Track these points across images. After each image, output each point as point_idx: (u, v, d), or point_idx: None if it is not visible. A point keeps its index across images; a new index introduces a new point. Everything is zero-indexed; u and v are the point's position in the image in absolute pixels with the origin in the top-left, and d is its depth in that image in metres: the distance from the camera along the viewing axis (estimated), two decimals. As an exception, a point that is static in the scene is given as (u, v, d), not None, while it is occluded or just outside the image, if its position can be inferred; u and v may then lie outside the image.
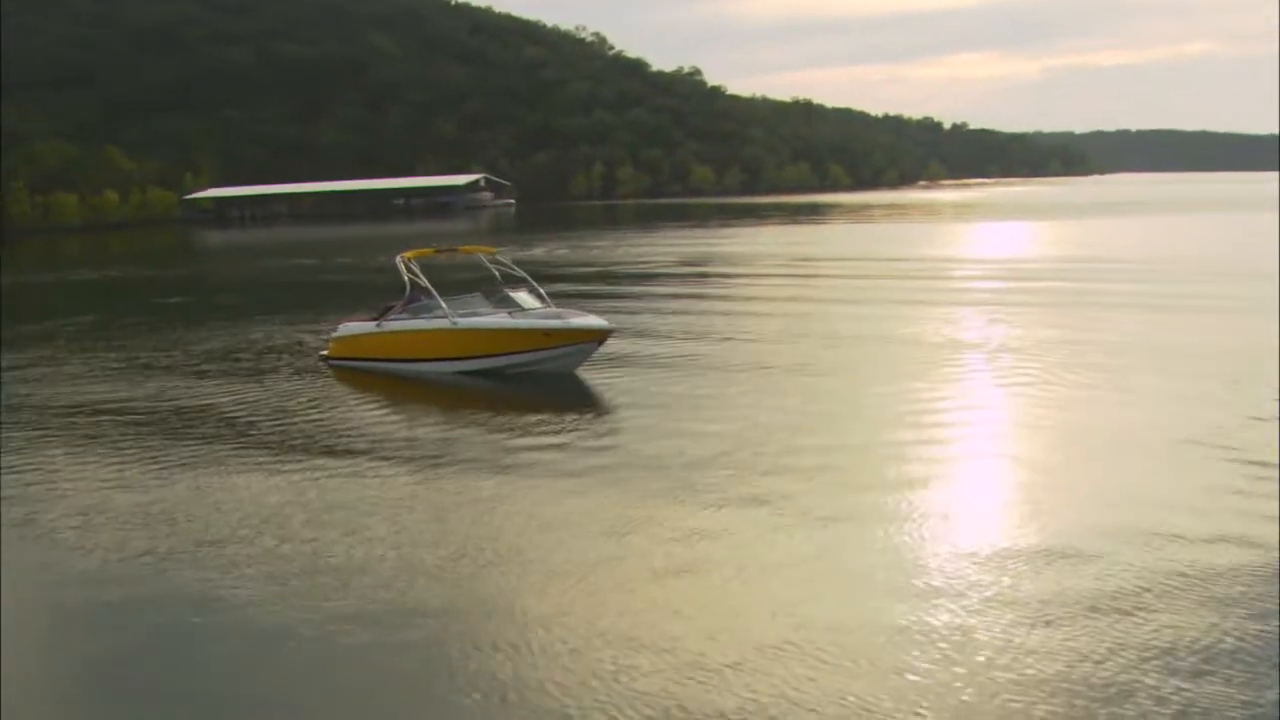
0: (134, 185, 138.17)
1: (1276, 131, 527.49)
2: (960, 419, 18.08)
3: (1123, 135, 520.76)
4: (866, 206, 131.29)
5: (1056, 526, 12.48)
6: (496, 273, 26.07)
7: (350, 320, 26.12)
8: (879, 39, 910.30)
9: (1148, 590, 10.51)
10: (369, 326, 24.94)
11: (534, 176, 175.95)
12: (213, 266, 67.17)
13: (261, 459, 16.79)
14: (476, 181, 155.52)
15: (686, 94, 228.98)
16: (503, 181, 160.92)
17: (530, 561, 12.05)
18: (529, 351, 23.02)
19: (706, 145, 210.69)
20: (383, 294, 28.62)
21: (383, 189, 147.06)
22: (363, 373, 24.08)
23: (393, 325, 24.49)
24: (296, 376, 24.18)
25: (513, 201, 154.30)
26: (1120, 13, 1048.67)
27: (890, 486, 14.13)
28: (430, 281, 24.56)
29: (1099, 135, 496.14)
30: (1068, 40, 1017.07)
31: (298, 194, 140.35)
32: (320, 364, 25.60)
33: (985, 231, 78.47)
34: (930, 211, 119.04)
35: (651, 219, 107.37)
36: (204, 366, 26.03)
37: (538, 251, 61.60)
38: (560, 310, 24.10)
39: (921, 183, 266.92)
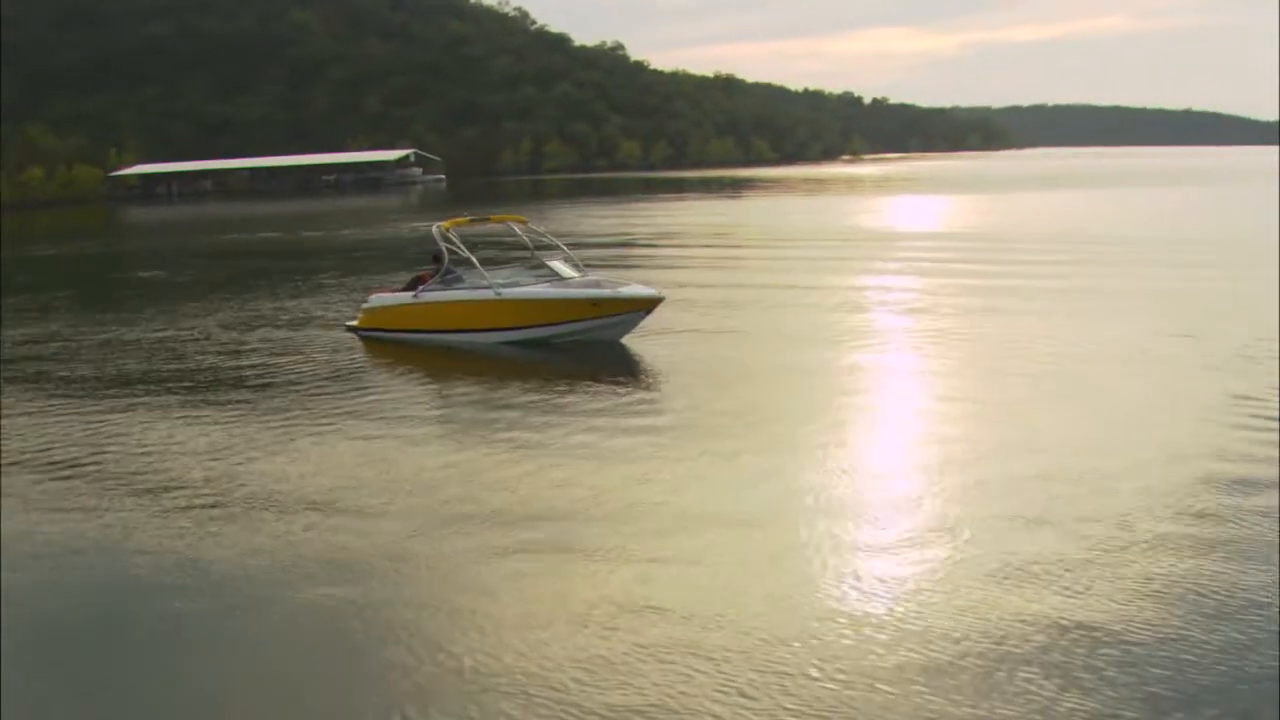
0: (58, 163, 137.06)
1: (1187, 107, 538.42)
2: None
3: (1039, 110, 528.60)
4: (788, 180, 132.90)
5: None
6: (528, 240, 25.96)
7: (382, 291, 25.83)
8: (795, 14, 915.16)
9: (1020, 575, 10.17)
10: (405, 297, 24.54)
11: (462, 152, 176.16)
12: (180, 239, 66.30)
13: (310, 423, 16.85)
14: (406, 157, 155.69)
15: (610, 68, 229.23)
16: (432, 157, 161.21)
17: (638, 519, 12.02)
18: (576, 321, 22.91)
19: (632, 120, 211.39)
20: (370, 264, 29.73)
21: (313, 165, 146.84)
22: (396, 343, 23.78)
23: (432, 296, 24.09)
24: (328, 347, 23.92)
25: (443, 177, 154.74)
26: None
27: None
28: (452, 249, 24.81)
29: (1016, 110, 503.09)
30: (984, 16, 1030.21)
31: (225, 170, 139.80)
32: (349, 334, 25.20)
33: (906, 204, 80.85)
34: (852, 185, 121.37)
35: (580, 193, 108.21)
36: (228, 336, 25.84)
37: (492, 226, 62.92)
38: (603, 279, 24.06)
39: (844, 157, 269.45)
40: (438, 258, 24.92)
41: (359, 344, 24.18)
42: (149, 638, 9.73)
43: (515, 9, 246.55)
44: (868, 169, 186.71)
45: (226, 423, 17.03)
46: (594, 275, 24.29)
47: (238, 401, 18.73)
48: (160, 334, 26.58)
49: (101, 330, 27.57)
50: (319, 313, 29.26)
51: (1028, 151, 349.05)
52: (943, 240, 46.71)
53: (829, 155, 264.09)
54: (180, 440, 15.99)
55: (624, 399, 18.22)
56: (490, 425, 16.66)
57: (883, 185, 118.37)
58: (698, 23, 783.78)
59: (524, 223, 26.45)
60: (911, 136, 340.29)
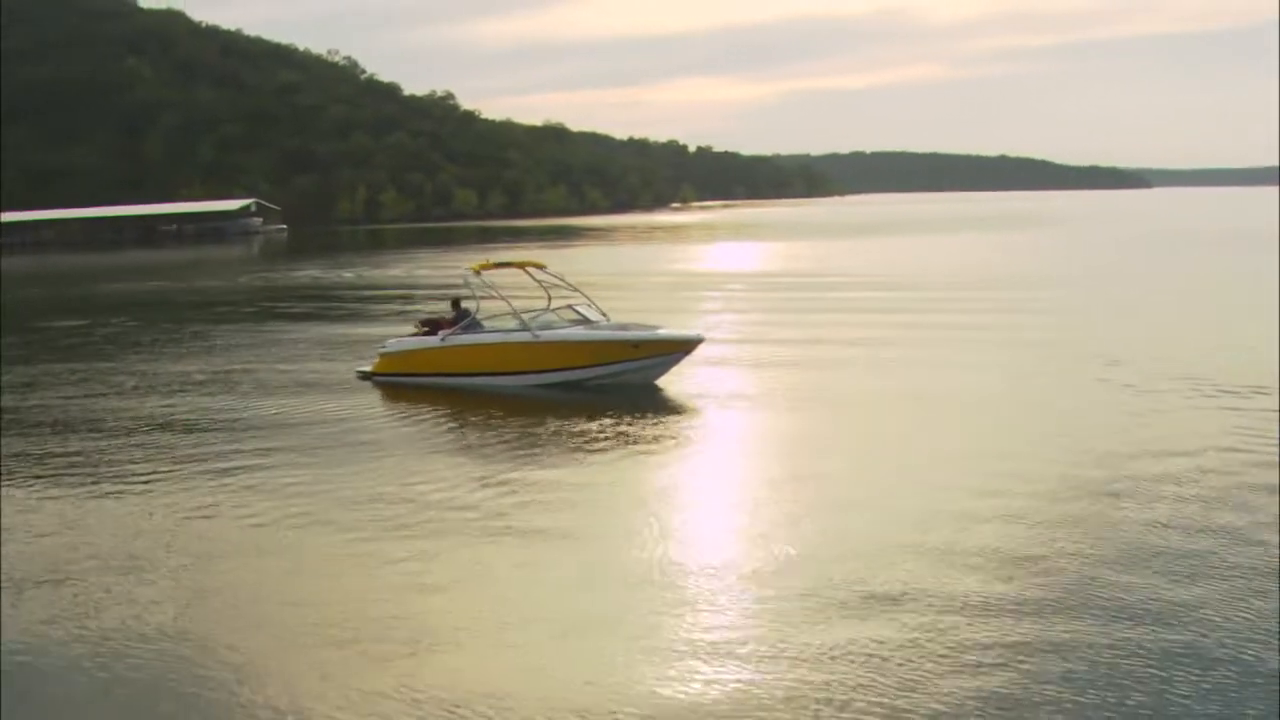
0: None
1: (1002, 153, 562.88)
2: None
3: (858, 157, 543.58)
4: (621, 228, 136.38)
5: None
6: (544, 288, 25.54)
7: (400, 336, 25.67)
8: (614, 63, 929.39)
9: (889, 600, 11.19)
10: (430, 341, 24.35)
11: (298, 201, 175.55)
12: (63, 289, 62.95)
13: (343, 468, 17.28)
14: (248, 206, 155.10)
15: (442, 117, 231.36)
16: (273, 206, 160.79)
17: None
18: (614, 364, 23.14)
19: (467, 169, 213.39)
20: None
21: (155, 214, 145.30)
22: (418, 388, 23.50)
23: (461, 339, 23.98)
24: (339, 394, 23.70)
25: (285, 227, 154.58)
26: (849, 37, 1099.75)
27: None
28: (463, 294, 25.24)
29: (835, 157, 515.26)
30: (800, 65, 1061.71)
31: (66, 220, 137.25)
32: (361, 381, 24.84)
33: (735, 251, 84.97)
34: (683, 232, 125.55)
35: (417, 243, 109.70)
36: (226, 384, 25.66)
37: (348, 274, 65.20)
38: (631, 322, 24.40)
39: (674, 205, 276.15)
40: (457, 303, 25.25)
41: (388, 393, 23.58)
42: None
43: (345, 58, 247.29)
44: (696, 216, 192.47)
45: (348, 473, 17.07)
46: (618, 319, 24.57)
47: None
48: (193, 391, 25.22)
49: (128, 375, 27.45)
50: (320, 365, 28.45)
51: (850, 198, 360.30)
52: (761, 280, 50.58)
53: (659, 203, 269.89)
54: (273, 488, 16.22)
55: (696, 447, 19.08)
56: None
57: (713, 231, 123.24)
58: (517, 71, 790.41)
59: (542, 267, 25.94)
60: (737, 184, 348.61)
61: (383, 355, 25.10)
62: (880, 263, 63.33)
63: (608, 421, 20.07)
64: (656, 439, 19.25)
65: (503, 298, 24.14)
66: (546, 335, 23.30)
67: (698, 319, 34.14)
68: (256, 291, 56.38)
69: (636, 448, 18.51)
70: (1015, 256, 66.77)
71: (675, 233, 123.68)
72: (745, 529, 13.83)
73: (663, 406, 21.97)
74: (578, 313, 24.13)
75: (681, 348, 23.51)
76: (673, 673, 9.72)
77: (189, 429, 20.64)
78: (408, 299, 47.37)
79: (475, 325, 24.26)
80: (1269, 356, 24.20)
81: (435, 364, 24.00)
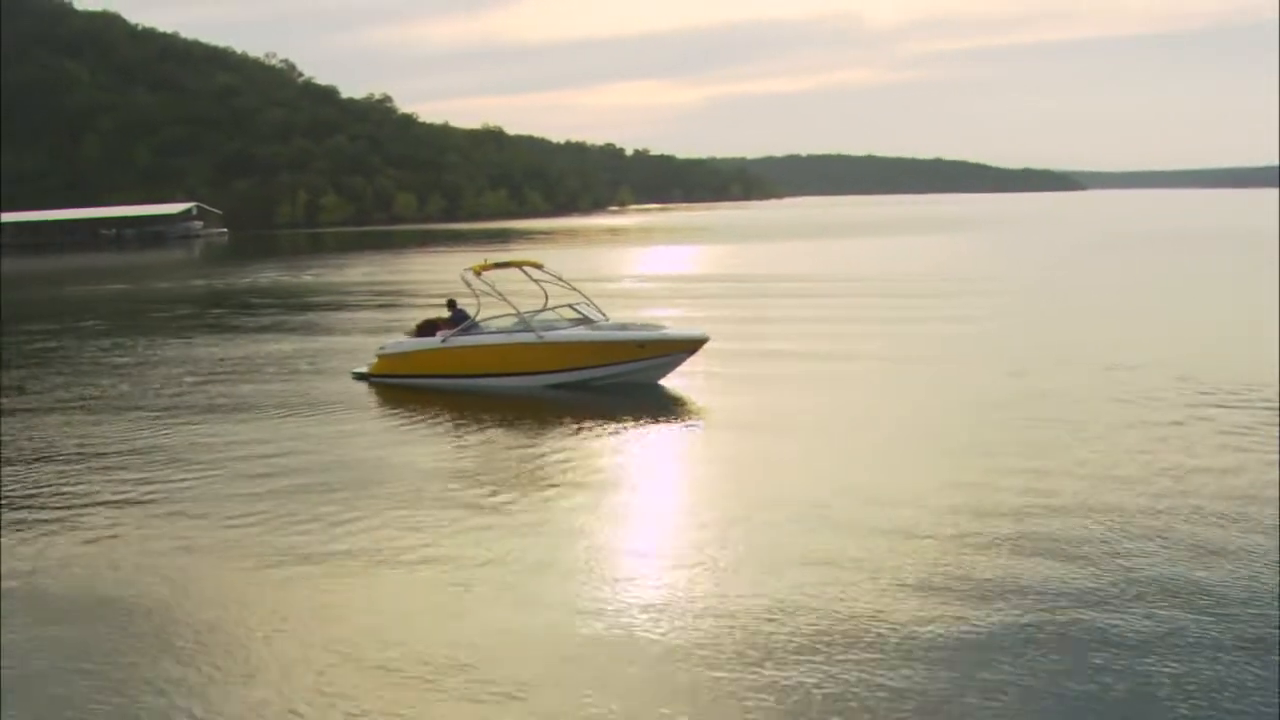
0: None
1: (937, 156, 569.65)
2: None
3: (793, 160, 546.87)
4: (560, 231, 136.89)
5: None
6: (542, 288, 25.29)
7: (396, 337, 25.79)
8: (548, 68, 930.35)
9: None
10: (430, 342, 24.14)
11: (238, 205, 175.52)
12: (28, 293, 61.64)
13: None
14: (189, 210, 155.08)
15: (380, 121, 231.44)
16: (213, 210, 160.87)
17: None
18: (621, 364, 23.03)
19: (406, 173, 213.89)
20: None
21: (96, 218, 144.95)
22: (419, 390, 23.35)
23: (463, 340, 23.79)
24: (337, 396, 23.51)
25: (225, 230, 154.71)
26: (783, 41, 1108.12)
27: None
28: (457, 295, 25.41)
29: (770, 160, 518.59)
30: (734, 69, 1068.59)
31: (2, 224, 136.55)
32: (358, 382, 24.73)
33: (666, 253, 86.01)
34: (623, 234, 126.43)
35: (361, 246, 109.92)
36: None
37: (308, 277, 65.86)
38: (631, 322, 24.48)
39: (612, 207, 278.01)
40: (453, 304, 25.26)
41: (388, 395, 23.45)
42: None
43: (282, 61, 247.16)
44: (634, 219, 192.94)
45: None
46: (616, 318, 24.68)
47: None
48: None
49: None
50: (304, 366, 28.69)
51: (787, 201, 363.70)
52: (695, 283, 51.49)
53: (598, 206, 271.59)
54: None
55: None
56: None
57: (649, 235, 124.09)
58: (455, 75, 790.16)
59: (539, 266, 25.60)
60: (674, 187, 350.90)
61: (381, 356, 24.91)
62: (816, 266, 64.39)
63: (618, 423, 20.08)
64: (669, 443, 19.40)
65: (505, 298, 23.95)
66: (551, 336, 23.15)
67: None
68: (223, 295, 56.83)
69: (656, 450, 18.74)
70: (949, 259, 68.33)
71: (615, 235, 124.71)
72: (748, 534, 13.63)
73: (668, 407, 21.84)
74: (578, 312, 24.10)
75: (686, 347, 23.41)
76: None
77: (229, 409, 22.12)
78: (383, 300, 48.47)
79: (476, 326, 24.12)
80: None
81: (436, 365, 23.85)
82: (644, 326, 24.19)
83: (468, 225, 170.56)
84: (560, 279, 25.24)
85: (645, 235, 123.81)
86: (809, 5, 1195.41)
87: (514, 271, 25.32)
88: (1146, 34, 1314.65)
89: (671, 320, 28.97)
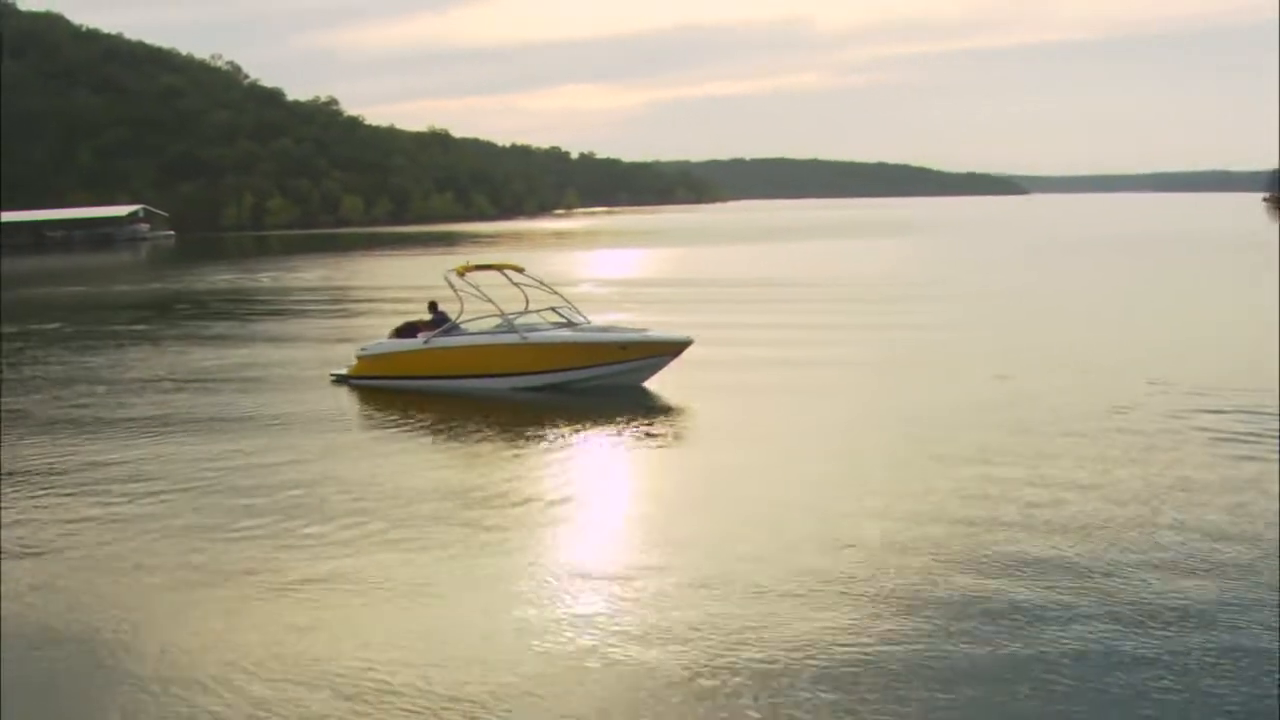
0: None
1: (880, 160, 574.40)
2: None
3: (738, 164, 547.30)
4: (506, 235, 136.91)
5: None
6: (522, 290, 25.19)
7: (378, 339, 25.53)
8: (490, 70, 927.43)
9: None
10: (412, 343, 24.06)
11: (183, 207, 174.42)
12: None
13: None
14: (136, 213, 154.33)
15: (326, 123, 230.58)
16: (160, 213, 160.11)
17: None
18: (603, 365, 22.97)
19: (352, 175, 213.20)
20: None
21: (42, 221, 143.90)
22: (401, 391, 23.34)
23: (445, 341, 23.72)
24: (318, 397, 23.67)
25: (172, 233, 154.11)
26: (727, 45, 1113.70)
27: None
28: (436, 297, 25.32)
29: (715, 164, 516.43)
30: (678, 72, 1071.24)
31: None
32: (337, 385, 24.66)
33: (613, 257, 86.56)
34: (576, 238, 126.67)
35: (309, 249, 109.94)
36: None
37: (265, 280, 66.19)
38: (613, 324, 24.73)
39: (558, 210, 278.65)
40: (433, 305, 25.05)
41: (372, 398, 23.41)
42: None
43: (228, 63, 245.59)
44: (580, 223, 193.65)
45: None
46: (597, 320, 24.78)
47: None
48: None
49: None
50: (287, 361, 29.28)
51: (732, 204, 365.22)
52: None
53: (544, 209, 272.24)
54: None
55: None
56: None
57: (596, 238, 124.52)
58: (400, 78, 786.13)
59: (520, 270, 25.56)
60: (620, 190, 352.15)
61: (361, 358, 24.79)
62: (769, 270, 65.02)
63: (599, 425, 20.35)
64: (659, 443, 19.52)
65: (490, 299, 24.00)
66: (535, 337, 23.14)
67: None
68: (184, 298, 56.96)
69: (640, 452, 18.94)
70: (899, 263, 69.42)
71: (562, 239, 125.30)
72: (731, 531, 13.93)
73: (651, 409, 21.98)
74: (560, 315, 24.12)
75: (670, 350, 23.34)
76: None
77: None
78: (344, 303, 49.35)
79: (458, 327, 24.12)
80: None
81: (418, 367, 23.76)
82: (627, 329, 24.22)
83: (415, 228, 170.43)
84: (541, 283, 25.34)
85: (591, 239, 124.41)
86: (757, 9, 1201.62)
87: (494, 275, 25.25)
88: (1085, 40, 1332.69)
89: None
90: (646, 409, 21.98)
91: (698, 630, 10.72)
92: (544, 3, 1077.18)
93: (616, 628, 10.90)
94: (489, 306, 24.20)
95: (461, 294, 24.16)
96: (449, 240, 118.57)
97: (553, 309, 24.41)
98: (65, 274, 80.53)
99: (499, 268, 25.61)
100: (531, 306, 24.69)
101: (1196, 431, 18.41)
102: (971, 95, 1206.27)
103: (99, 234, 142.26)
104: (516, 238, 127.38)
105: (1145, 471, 16.03)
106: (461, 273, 24.27)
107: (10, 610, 11.78)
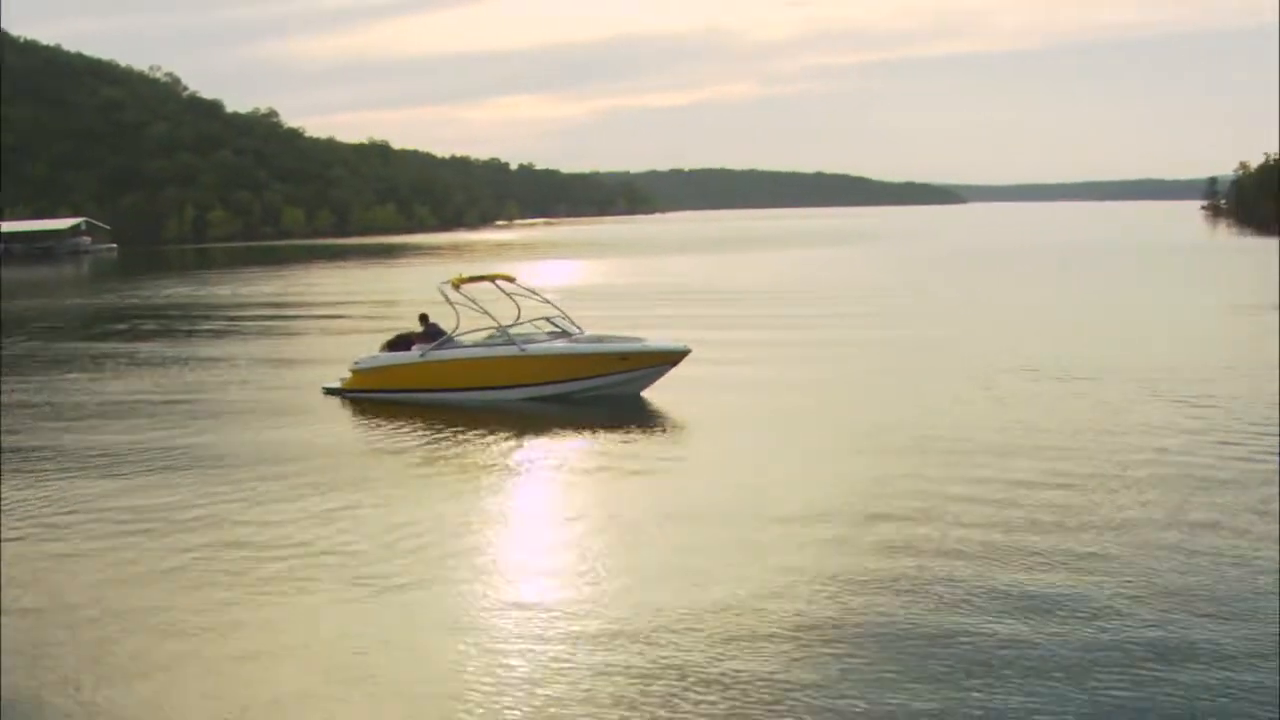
0: None
1: (819, 170, 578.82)
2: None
3: (676, 174, 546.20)
4: (446, 246, 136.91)
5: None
6: (515, 301, 24.94)
7: (373, 351, 25.00)
8: (429, 81, 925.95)
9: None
10: (408, 356, 23.71)
11: (125, 220, 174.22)
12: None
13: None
14: (78, 225, 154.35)
15: (266, 135, 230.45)
16: (102, 225, 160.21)
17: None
18: (603, 376, 22.72)
19: (293, 187, 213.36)
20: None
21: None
22: (394, 404, 23.00)
23: (442, 354, 23.38)
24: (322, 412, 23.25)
25: (114, 246, 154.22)
26: (665, 55, 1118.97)
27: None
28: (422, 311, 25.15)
29: (654, 174, 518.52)
30: (616, 82, 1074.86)
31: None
32: (329, 398, 24.31)
33: (556, 268, 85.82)
34: (505, 250, 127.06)
35: (246, 262, 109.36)
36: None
37: (224, 290, 65.95)
38: (607, 334, 24.34)
39: (500, 222, 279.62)
40: (425, 318, 24.87)
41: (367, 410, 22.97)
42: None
43: (166, 74, 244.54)
44: (520, 234, 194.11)
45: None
46: (591, 331, 24.42)
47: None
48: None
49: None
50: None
51: (672, 215, 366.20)
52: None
53: (485, 220, 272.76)
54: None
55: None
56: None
57: (536, 250, 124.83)
58: (339, 89, 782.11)
59: (512, 280, 25.35)
60: (559, 201, 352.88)
61: (355, 371, 24.43)
62: (711, 279, 66.34)
63: (602, 437, 20.34)
64: (660, 456, 19.31)
65: (487, 312, 23.73)
66: (533, 348, 22.86)
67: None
68: (141, 310, 56.59)
69: (647, 466, 18.51)
70: (848, 272, 70.92)
71: (503, 250, 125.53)
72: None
73: (651, 421, 21.91)
74: (554, 325, 23.88)
75: (668, 359, 23.11)
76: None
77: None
78: (303, 315, 49.98)
79: (453, 340, 23.80)
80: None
81: (414, 380, 23.48)
82: (625, 339, 24.02)
83: (358, 240, 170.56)
84: (534, 292, 25.24)
85: (532, 250, 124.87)
86: (689, 19, 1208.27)
87: (486, 285, 25.00)
88: (1020, 50, 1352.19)
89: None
90: (649, 420, 22.01)
91: (687, 636, 10.97)
92: (481, 14, 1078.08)
93: (618, 642, 10.95)
94: (484, 319, 24.00)
95: (457, 306, 23.88)
96: (392, 252, 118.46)
97: (546, 319, 24.25)
98: (10, 288, 79.35)
99: (491, 278, 25.28)
100: (524, 316, 24.43)
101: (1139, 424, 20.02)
102: (909, 105, 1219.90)
103: (40, 247, 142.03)
104: (457, 249, 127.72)
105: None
106: (456, 285, 23.96)
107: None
